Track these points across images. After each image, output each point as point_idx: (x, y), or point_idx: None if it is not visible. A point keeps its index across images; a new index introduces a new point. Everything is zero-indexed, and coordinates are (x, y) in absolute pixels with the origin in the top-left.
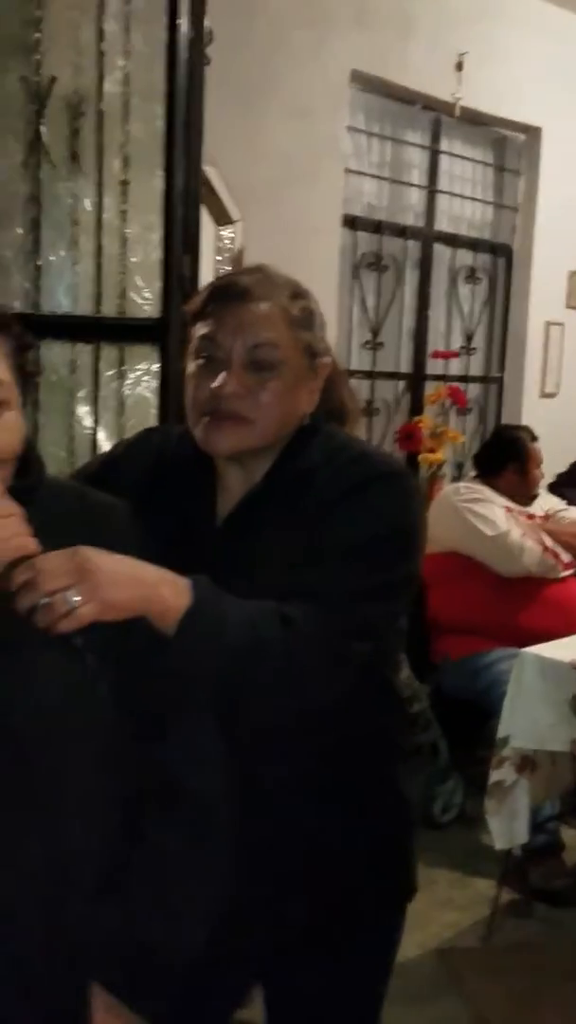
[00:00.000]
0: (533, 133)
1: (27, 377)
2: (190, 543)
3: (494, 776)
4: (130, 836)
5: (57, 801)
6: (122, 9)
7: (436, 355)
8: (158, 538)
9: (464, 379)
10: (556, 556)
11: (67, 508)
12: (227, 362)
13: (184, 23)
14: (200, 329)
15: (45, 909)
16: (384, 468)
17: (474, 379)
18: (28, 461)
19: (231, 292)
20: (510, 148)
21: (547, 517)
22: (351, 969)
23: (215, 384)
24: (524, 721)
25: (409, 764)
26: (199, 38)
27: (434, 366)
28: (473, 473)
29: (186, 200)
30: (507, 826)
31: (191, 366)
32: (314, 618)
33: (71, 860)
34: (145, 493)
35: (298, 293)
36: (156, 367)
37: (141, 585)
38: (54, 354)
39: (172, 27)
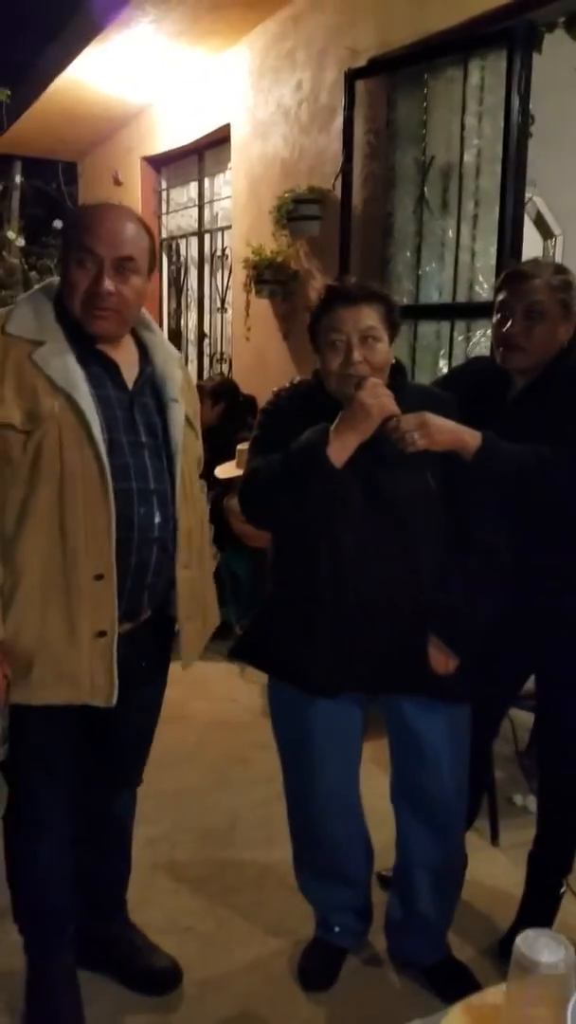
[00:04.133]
0: None
1: (394, 327)
2: (491, 414)
3: None
4: (449, 561)
5: (414, 543)
6: (477, 109)
7: None
8: (472, 412)
9: None
10: None
11: (419, 397)
12: (513, 315)
13: (515, 114)
14: (500, 296)
15: (409, 595)
16: None
17: None
18: (396, 371)
19: (516, 275)
20: None
21: None
22: None
23: (505, 328)
24: None
25: None
26: (525, 123)
27: None
28: None
29: (513, 225)
30: None
31: (495, 319)
32: (559, 453)
33: (421, 572)
34: (465, 389)
35: (559, 270)
36: (490, 332)
37: (454, 432)
38: (427, 329)
39: (507, 117)
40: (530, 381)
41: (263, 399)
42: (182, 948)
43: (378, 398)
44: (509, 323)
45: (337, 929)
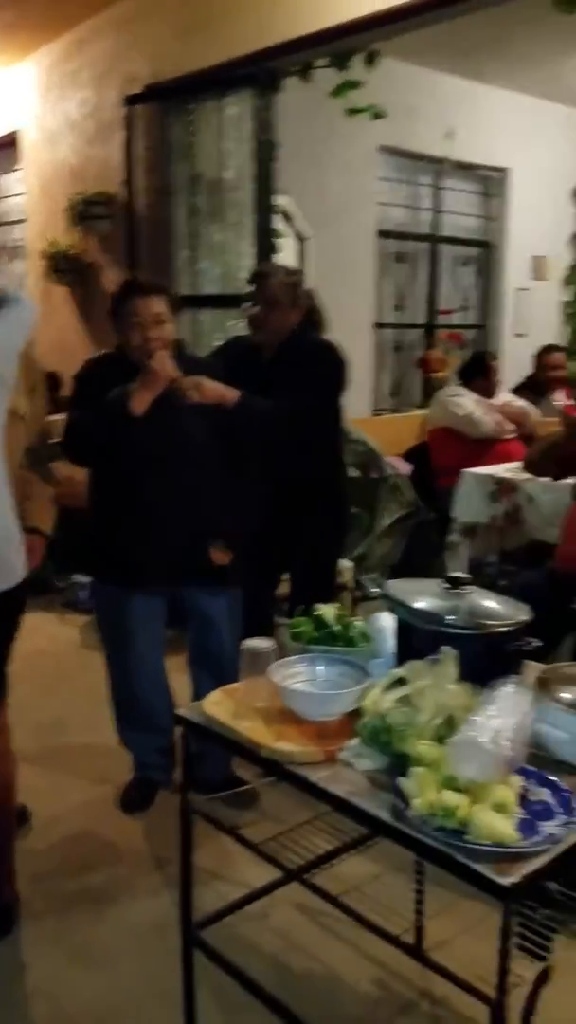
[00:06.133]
0: (504, 171)
1: (176, 312)
2: (249, 377)
3: (450, 538)
4: (224, 484)
5: (198, 471)
6: (234, 135)
7: (442, 312)
8: (237, 375)
9: (463, 327)
10: (503, 426)
11: (193, 364)
12: (257, 304)
13: (262, 142)
14: (249, 289)
15: (198, 510)
16: (330, 346)
17: (469, 327)
18: (178, 346)
19: (259, 274)
20: (491, 181)
21: (503, 405)
22: (326, 546)
23: (251, 313)
24: (465, 506)
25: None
26: (270, 149)
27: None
28: (458, 381)
29: (266, 232)
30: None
31: (246, 307)
32: (288, 408)
33: (204, 493)
34: (232, 359)
35: (289, 272)
36: None
37: (219, 389)
38: (206, 313)
39: (257, 144)
40: (274, 353)
41: (67, 375)
42: (26, 799)
43: (165, 365)
44: (254, 309)
45: (149, 766)
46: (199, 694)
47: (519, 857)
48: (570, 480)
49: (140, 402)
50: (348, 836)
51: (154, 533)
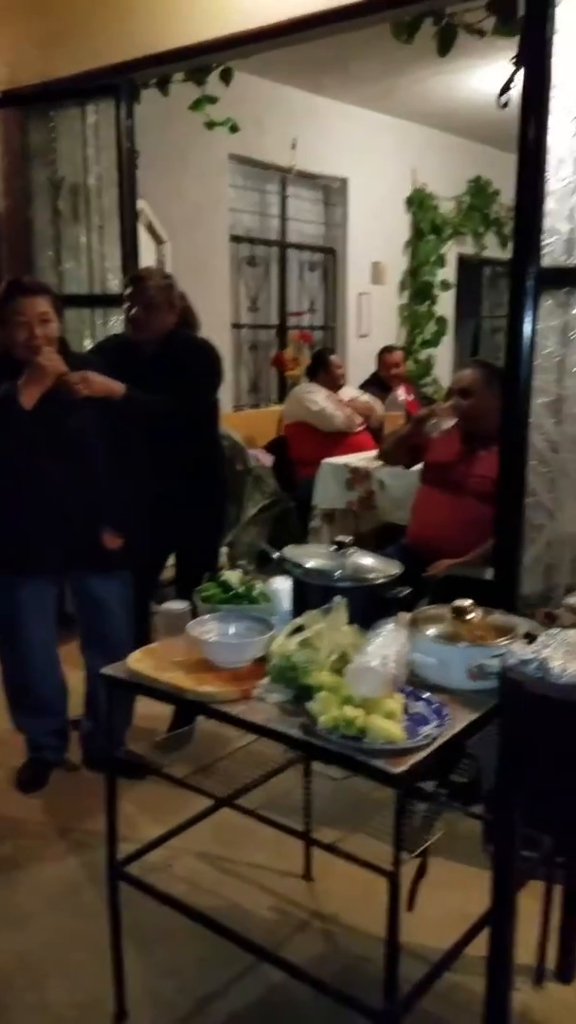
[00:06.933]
0: (344, 181)
1: (59, 312)
2: (129, 374)
3: (312, 523)
4: (113, 472)
5: (89, 461)
6: (95, 142)
7: (292, 314)
8: (117, 371)
9: (311, 328)
10: (353, 420)
11: (77, 360)
12: (136, 305)
13: (124, 150)
14: (127, 291)
15: (88, 498)
16: (206, 344)
17: (317, 328)
18: (62, 343)
19: (136, 278)
20: (331, 190)
21: (351, 400)
22: (208, 532)
23: (131, 314)
24: (324, 494)
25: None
26: (132, 157)
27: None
28: (307, 378)
29: (130, 236)
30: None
31: (125, 307)
32: (170, 401)
33: (95, 481)
34: (111, 355)
35: (165, 276)
36: (121, 317)
37: (106, 383)
38: (71, 313)
39: (119, 152)
40: (153, 351)
41: None
42: None
43: (52, 361)
44: (134, 311)
45: (44, 747)
46: (92, 674)
47: (406, 752)
48: (418, 467)
49: (30, 396)
50: (230, 788)
51: (45, 522)
